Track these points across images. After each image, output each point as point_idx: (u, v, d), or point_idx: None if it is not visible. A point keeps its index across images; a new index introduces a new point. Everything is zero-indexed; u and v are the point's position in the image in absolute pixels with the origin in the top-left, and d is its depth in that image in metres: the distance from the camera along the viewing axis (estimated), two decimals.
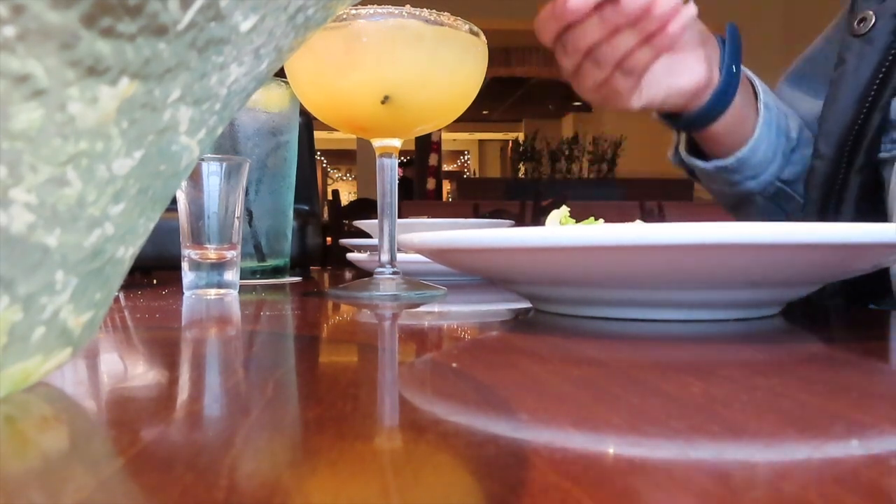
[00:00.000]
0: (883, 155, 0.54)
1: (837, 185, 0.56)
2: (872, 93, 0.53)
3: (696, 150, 0.61)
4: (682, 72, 0.53)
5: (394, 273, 0.51)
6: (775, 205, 0.62)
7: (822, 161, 0.57)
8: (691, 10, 0.49)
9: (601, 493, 0.11)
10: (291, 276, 0.72)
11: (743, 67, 0.57)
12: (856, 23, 0.55)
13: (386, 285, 0.50)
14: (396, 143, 0.52)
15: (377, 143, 0.52)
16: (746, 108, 0.57)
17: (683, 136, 0.62)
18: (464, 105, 0.51)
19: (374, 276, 0.52)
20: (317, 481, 0.13)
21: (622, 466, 0.13)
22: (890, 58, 0.52)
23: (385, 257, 0.52)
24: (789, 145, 0.60)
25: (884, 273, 0.53)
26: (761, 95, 0.57)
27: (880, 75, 0.53)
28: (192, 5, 0.15)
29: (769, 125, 0.57)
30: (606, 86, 0.52)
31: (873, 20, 0.54)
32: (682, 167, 0.63)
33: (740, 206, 0.64)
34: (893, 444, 0.14)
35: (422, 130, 0.52)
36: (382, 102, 0.47)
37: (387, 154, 0.52)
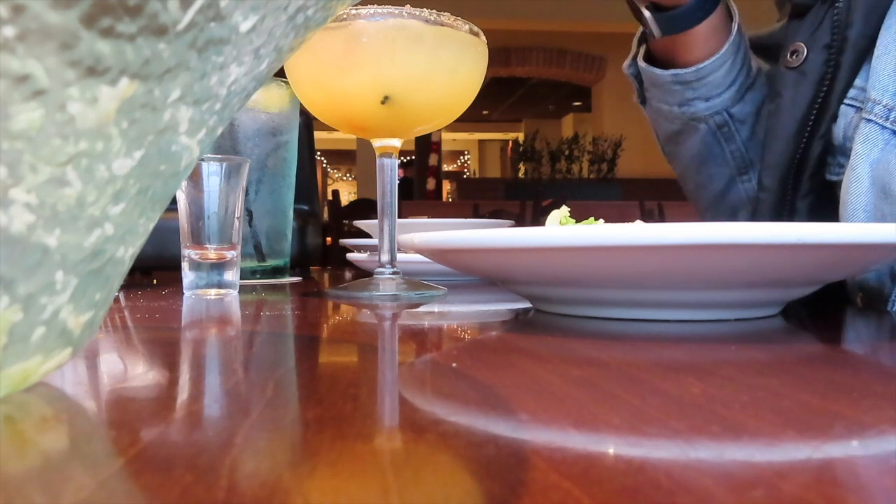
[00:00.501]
0: (831, 178, 0.54)
1: (786, 214, 0.57)
2: (810, 124, 0.54)
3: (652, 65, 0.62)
4: None
5: (394, 273, 0.51)
6: (716, 140, 0.62)
7: (768, 193, 0.57)
8: None
9: (601, 493, 0.11)
10: (291, 276, 0.72)
11: None
12: (788, 55, 0.55)
13: (386, 285, 0.50)
14: (396, 143, 0.52)
15: (377, 143, 0.52)
16: (722, 24, 0.58)
17: (643, 49, 0.62)
18: (464, 105, 0.51)
19: (374, 276, 0.52)
20: (317, 481, 0.13)
21: (622, 466, 0.13)
22: (824, 89, 0.53)
23: (385, 257, 0.52)
24: (748, 80, 0.60)
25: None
26: (736, 17, 0.58)
27: (816, 106, 0.53)
28: (192, 5, 0.15)
29: (737, 48, 0.58)
30: None
31: (805, 52, 0.54)
32: (635, 80, 0.64)
33: (681, 136, 0.63)
34: (893, 444, 0.14)
35: (422, 130, 0.52)
36: (382, 102, 0.47)
37: (387, 154, 0.52)
